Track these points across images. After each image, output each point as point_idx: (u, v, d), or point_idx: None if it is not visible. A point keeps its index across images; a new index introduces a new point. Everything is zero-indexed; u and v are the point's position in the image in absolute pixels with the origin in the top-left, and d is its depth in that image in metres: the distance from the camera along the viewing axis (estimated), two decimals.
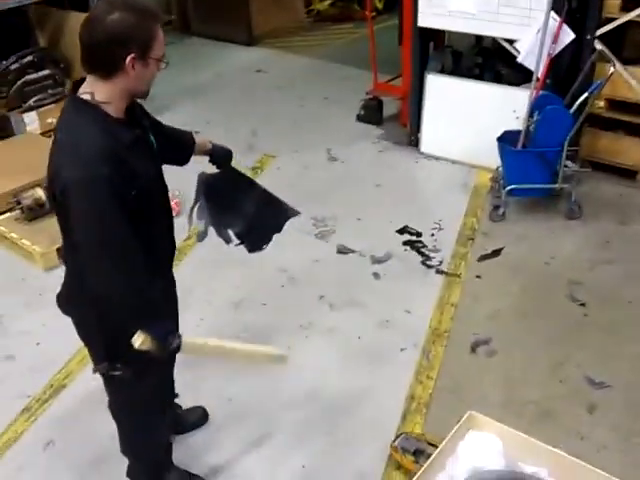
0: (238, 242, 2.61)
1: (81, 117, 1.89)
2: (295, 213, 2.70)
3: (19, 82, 5.24)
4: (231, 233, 2.59)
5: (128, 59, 1.83)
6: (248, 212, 2.60)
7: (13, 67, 5.27)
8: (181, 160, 2.41)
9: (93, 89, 1.88)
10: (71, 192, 1.82)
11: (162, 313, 2.03)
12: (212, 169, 2.54)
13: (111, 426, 2.49)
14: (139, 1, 1.91)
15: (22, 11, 5.41)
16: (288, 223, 2.69)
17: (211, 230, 2.53)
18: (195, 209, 2.51)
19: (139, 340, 1.93)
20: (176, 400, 2.79)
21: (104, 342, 2.12)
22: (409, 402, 2.99)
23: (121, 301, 1.92)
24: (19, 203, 4.15)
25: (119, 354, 2.10)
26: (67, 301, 2.17)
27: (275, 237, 2.68)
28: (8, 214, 4.22)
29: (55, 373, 3.19)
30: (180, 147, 2.39)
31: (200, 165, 2.51)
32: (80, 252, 1.91)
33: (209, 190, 2.52)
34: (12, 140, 5.02)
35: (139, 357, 2.00)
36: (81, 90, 1.92)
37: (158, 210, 2.14)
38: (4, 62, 5.26)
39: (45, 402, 3.05)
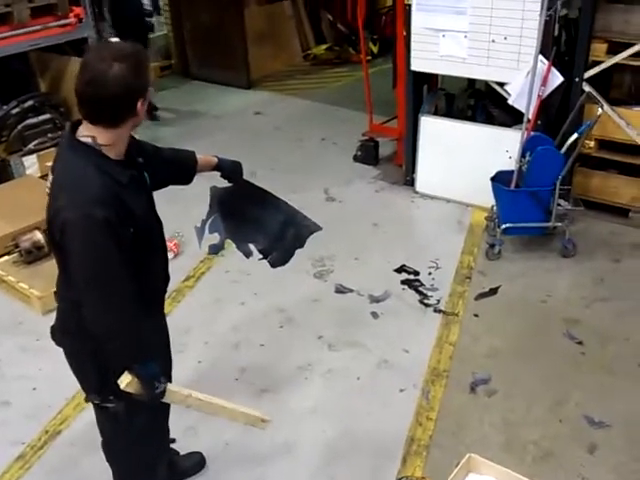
0: (261, 257, 2.60)
1: (79, 158, 1.93)
2: (317, 228, 2.67)
3: (20, 126, 5.32)
4: (252, 247, 2.58)
5: (139, 105, 1.91)
6: (270, 226, 2.59)
7: (14, 111, 5.35)
8: (184, 180, 2.43)
9: (95, 134, 1.93)
10: (70, 232, 1.87)
11: (150, 355, 2.05)
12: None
13: (106, 473, 2.47)
14: (120, 45, 2.00)
15: (24, 57, 5.52)
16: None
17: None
18: (208, 222, 2.51)
19: (125, 381, 1.98)
20: (172, 445, 2.77)
21: (97, 374, 2.13)
22: (409, 444, 2.97)
23: (111, 339, 1.97)
24: (17, 246, 4.18)
25: (111, 386, 2.10)
26: (61, 333, 2.19)
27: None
28: (6, 257, 4.24)
29: (51, 419, 3.17)
30: (182, 168, 2.41)
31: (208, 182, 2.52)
32: (77, 289, 1.95)
33: (223, 203, 2.51)
34: (11, 183, 5.07)
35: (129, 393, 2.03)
36: (81, 133, 1.96)
37: (154, 246, 2.18)
38: (5, 107, 5.34)
39: (40, 449, 3.02)
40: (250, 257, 2.62)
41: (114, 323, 1.96)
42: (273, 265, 2.63)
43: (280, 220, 2.61)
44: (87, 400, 2.24)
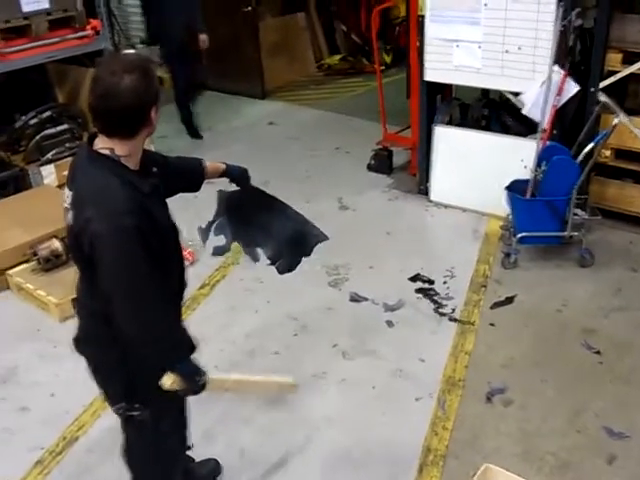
0: (269, 263, 2.63)
1: (101, 170, 1.95)
2: (324, 238, 2.69)
3: (38, 136, 5.38)
4: (260, 252, 2.62)
5: (152, 113, 1.94)
6: (277, 233, 2.61)
7: (32, 122, 5.41)
8: (193, 187, 2.47)
9: (112, 146, 1.95)
10: (101, 244, 1.89)
11: (188, 352, 2.09)
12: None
13: (124, 478, 2.48)
14: (128, 56, 2.03)
15: (42, 68, 5.59)
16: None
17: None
18: (214, 225, 2.54)
19: (169, 381, 2.02)
20: (188, 452, 2.78)
21: (123, 382, 2.15)
22: (425, 454, 2.96)
23: (151, 345, 2.00)
24: (36, 254, 4.21)
25: (137, 394, 2.13)
26: (84, 343, 2.21)
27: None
28: (25, 265, 4.28)
29: (68, 425, 3.19)
30: (191, 175, 2.44)
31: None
32: (103, 299, 1.97)
33: (231, 207, 2.55)
34: (30, 192, 5.12)
35: (157, 397, 2.07)
36: (97, 146, 1.98)
37: (172, 253, 2.21)
38: (24, 117, 5.41)
39: (58, 454, 3.04)
40: (258, 262, 2.65)
41: (153, 330, 1.99)
42: (280, 272, 2.66)
43: (288, 227, 2.63)
44: (114, 411, 2.25)
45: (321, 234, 2.69)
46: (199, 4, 6.37)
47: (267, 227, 2.61)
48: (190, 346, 2.11)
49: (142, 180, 2.01)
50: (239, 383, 2.44)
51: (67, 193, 2.03)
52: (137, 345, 2.01)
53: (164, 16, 5.93)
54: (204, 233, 2.55)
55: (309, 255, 2.69)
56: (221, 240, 2.57)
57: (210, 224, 2.56)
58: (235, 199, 2.56)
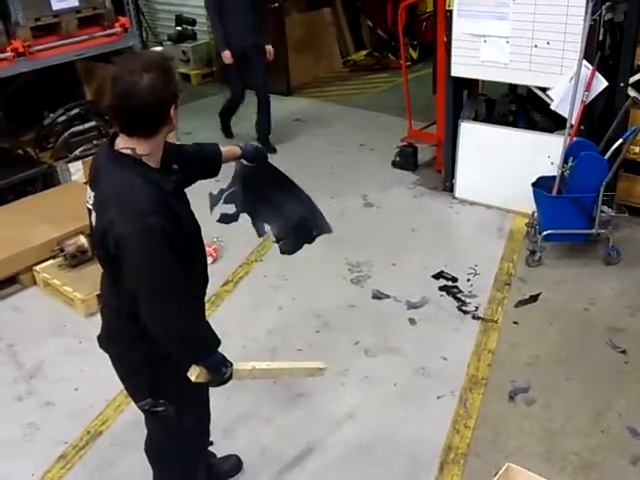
0: (274, 240, 2.67)
1: (123, 170, 1.96)
2: (328, 230, 2.73)
3: (66, 133, 5.47)
4: (267, 228, 2.65)
5: (172, 112, 1.95)
6: (287, 213, 2.64)
7: (61, 119, 5.50)
8: (211, 173, 2.48)
9: (133, 145, 1.96)
10: (127, 244, 1.89)
11: (214, 346, 2.12)
12: None
13: (147, 473, 2.51)
14: (146, 54, 2.04)
15: (70, 65, 5.67)
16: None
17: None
18: (226, 193, 2.56)
19: (195, 373, 2.06)
20: (210, 448, 2.80)
21: (149, 379, 2.17)
22: (447, 452, 2.94)
23: (179, 342, 2.04)
24: (62, 250, 4.28)
25: (162, 390, 2.15)
26: (108, 341, 2.23)
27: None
28: (52, 261, 4.34)
29: (92, 419, 3.23)
30: (208, 162, 2.45)
31: None
32: (127, 297, 1.99)
33: (246, 179, 2.56)
34: (58, 189, 5.20)
35: (182, 393, 2.11)
36: (120, 146, 1.98)
37: (196, 251, 2.22)
38: (52, 114, 5.50)
39: (81, 449, 3.08)
40: (262, 237, 2.69)
41: (179, 329, 2.02)
42: (282, 251, 2.69)
43: (298, 211, 2.66)
44: (139, 407, 2.27)
45: (326, 226, 2.72)
46: (268, 16, 6.33)
47: (278, 206, 2.64)
48: (215, 341, 2.13)
49: (165, 178, 2.01)
50: (266, 371, 2.47)
51: (89, 193, 2.04)
52: (163, 343, 2.04)
53: (230, 23, 5.79)
54: (214, 199, 2.57)
55: (311, 243, 2.71)
56: (230, 209, 2.59)
57: (222, 192, 2.57)
58: (252, 173, 2.56)
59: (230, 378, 2.17)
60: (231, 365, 2.16)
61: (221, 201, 2.57)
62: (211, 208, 2.58)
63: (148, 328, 2.00)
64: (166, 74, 1.92)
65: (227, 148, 2.51)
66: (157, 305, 1.98)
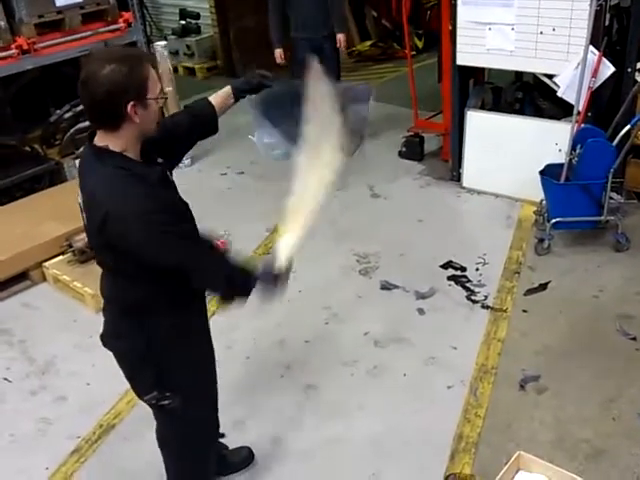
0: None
1: (107, 165, 1.93)
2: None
3: (72, 130, 5.47)
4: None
5: (129, 108, 1.87)
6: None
7: (67, 116, 5.51)
8: (211, 130, 2.39)
9: (106, 142, 1.94)
10: (130, 231, 1.88)
11: (251, 267, 2.18)
12: None
13: (159, 467, 2.53)
14: (123, 49, 2.00)
15: (75, 61, 5.67)
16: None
17: None
18: (263, 135, 2.49)
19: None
20: (222, 440, 2.82)
21: (153, 371, 2.17)
22: (457, 441, 2.95)
23: (231, 287, 2.12)
24: (71, 246, 4.30)
25: (167, 382, 2.15)
26: (111, 337, 2.23)
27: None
28: (61, 257, 4.36)
29: (104, 413, 3.25)
30: (203, 123, 2.36)
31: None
32: (145, 284, 2.04)
33: (268, 109, 2.45)
34: (65, 185, 5.21)
35: (187, 383, 2.12)
36: (97, 143, 1.97)
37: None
38: (58, 111, 5.51)
39: (94, 443, 3.11)
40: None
41: (223, 276, 2.09)
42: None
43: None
44: (146, 401, 2.27)
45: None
46: (343, 4, 5.97)
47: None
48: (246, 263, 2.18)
49: (148, 170, 1.99)
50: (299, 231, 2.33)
51: (80, 195, 2.02)
52: (224, 299, 2.14)
53: (302, 11, 5.45)
54: (260, 142, 2.52)
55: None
56: (277, 146, 2.52)
57: (259, 138, 2.51)
58: (266, 101, 2.45)
59: (288, 273, 2.19)
60: (277, 264, 2.17)
61: (265, 142, 2.51)
62: (262, 151, 2.54)
63: (204, 288, 2.16)
64: (132, 68, 1.86)
65: (217, 95, 2.38)
66: (196, 267, 2.03)
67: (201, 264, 2.06)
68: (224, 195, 5.18)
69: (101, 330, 2.26)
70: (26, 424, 3.22)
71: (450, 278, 4.06)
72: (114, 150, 1.93)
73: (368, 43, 8.66)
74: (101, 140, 1.95)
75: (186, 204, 2.15)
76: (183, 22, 8.52)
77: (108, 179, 1.92)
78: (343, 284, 4.08)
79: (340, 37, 5.62)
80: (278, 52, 5.67)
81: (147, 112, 1.93)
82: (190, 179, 4.95)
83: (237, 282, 2.12)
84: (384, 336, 3.63)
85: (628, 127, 3.90)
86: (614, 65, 4.10)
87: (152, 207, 1.90)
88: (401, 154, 5.70)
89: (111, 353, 2.26)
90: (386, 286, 4.04)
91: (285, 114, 2.47)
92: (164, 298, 2.11)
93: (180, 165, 2.29)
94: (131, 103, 1.87)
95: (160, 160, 2.10)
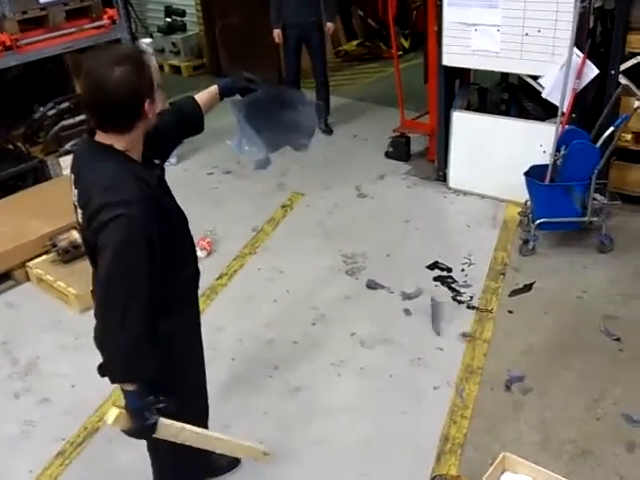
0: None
1: (108, 161, 1.92)
2: (303, 147, 2.68)
3: (56, 127, 5.44)
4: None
5: (146, 106, 1.89)
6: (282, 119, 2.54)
7: (50, 113, 5.46)
8: (197, 128, 2.39)
9: (111, 141, 1.92)
10: (105, 230, 1.84)
11: (148, 377, 1.99)
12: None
13: (145, 469, 2.51)
14: (116, 48, 1.98)
15: (59, 59, 5.62)
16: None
17: None
18: (243, 141, 2.48)
19: (113, 415, 1.92)
20: None
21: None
22: (443, 443, 2.96)
23: (109, 355, 1.92)
24: (55, 245, 4.26)
25: (161, 386, 2.13)
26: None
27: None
28: (44, 256, 4.32)
29: (89, 415, 3.23)
30: (189, 122, 2.35)
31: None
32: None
33: (250, 117, 2.45)
34: (49, 183, 5.17)
35: (179, 386, 2.10)
36: (99, 140, 1.95)
37: (184, 241, 2.20)
38: (42, 108, 5.46)
39: (79, 445, 3.08)
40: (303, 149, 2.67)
41: (115, 341, 1.89)
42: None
43: (293, 118, 2.57)
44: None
45: (302, 145, 2.67)
46: None
47: (292, 122, 2.57)
48: (148, 374, 1.98)
49: (148, 172, 1.98)
50: (199, 436, 2.23)
51: (74, 191, 2.00)
52: (101, 348, 1.92)
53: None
54: (237, 148, 2.49)
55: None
56: (257, 153, 2.52)
57: (238, 140, 2.49)
58: (250, 107, 2.47)
59: (153, 430, 2.00)
60: (157, 415, 1.99)
61: (244, 148, 2.49)
62: (240, 154, 2.52)
63: (96, 330, 1.91)
64: (139, 67, 1.87)
65: (203, 93, 2.39)
66: (112, 309, 1.86)
67: (114, 314, 1.87)
68: (210, 194, 5.15)
69: (93, 332, 2.23)
70: (9, 426, 3.19)
71: (436, 279, 4.07)
72: (118, 149, 1.92)
73: (355, 42, 8.67)
74: (104, 139, 1.93)
75: (182, 214, 2.14)
76: (169, 19, 8.49)
77: (108, 174, 1.89)
78: (330, 285, 4.08)
79: (329, 25, 5.90)
80: (276, 32, 5.93)
81: (154, 106, 1.94)
82: (176, 178, 4.90)
83: (121, 367, 1.93)
84: (371, 337, 3.63)
85: (612, 129, 3.93)
86: (598, 67, 4.14)
87: (142, 213, 1.85)
88: (387, 154, 5.71)
89: (98, 354, 2.23)
90: (373, 286, 4.04)
91: (268, 120, 2.51)
92: (157, 299, 2.09)
93: (166, 164, 2.27)
94: (147, 101, 1.88)
95: (157, 161, 2.09)
